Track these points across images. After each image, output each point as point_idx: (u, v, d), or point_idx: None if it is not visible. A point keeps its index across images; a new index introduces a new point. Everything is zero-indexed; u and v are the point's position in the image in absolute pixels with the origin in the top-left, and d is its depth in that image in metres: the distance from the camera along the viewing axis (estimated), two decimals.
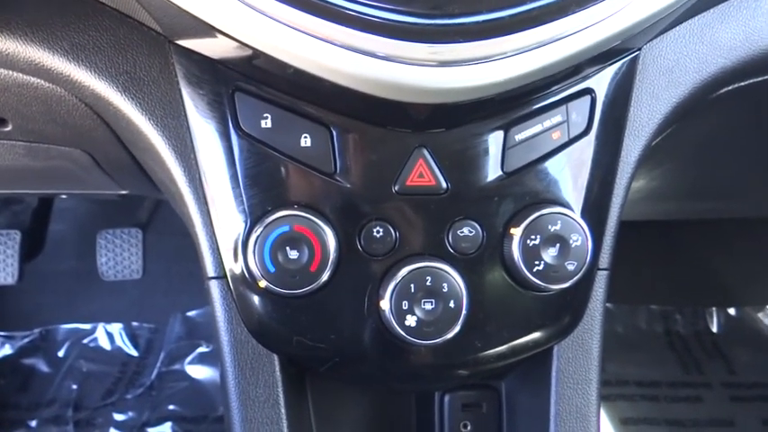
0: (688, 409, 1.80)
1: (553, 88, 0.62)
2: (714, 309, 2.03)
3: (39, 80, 0.66)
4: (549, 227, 0.62)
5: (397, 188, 0.62)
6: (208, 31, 0.56)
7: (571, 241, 0.62)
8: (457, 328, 0.62)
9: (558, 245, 0.62)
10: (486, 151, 0.62)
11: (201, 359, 1.85)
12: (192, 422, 1.74)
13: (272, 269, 0.60)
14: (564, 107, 0.64)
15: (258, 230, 0.60)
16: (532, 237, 0.62)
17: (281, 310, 0.64)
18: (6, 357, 1.86)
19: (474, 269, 0.63)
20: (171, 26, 0.61)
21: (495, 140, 0.63)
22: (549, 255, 0.62)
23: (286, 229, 0.60)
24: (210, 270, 0.65)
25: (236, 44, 0.56)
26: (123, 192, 1.09)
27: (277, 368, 0.67)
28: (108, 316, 1.92)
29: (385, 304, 0.61)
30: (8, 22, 0.61)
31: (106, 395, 1.78)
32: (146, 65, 0.63)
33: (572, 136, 0.64)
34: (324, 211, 0.61)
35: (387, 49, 0.53)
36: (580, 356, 0.71)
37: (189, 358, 1.85)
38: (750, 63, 0.70)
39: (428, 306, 0.61)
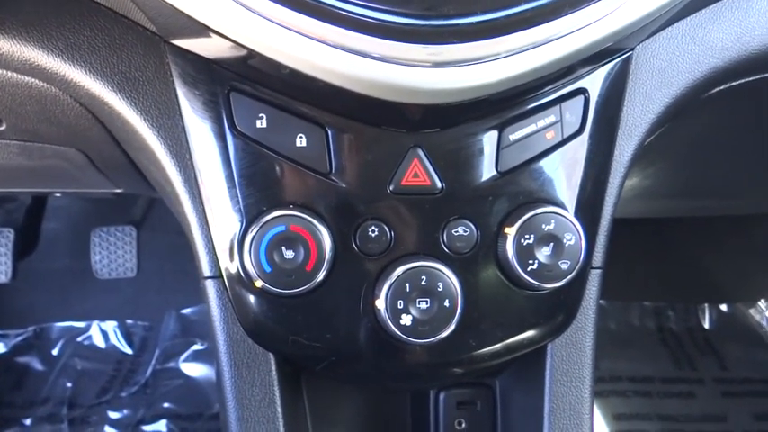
0: (680, 405, 1.81)
1: (547, 88, 0.63)
2: (706, 305, 2.04)
3: (33, 80, 0.66)
4: (543, 226, 0.62)
5: (392, 188, 0.62)
6: (202, 30, 0.56)
7: (565, 240, 0.63)
8: (452, 327, 0.62)
9: (551, 244, 0.63)
10: (481, 151, 0.63)
11: (196, 357, 1.85)
12: (187, 420, 1.74)
13: (268, 269, 0.60)
14: (557, 107, 0.64)
15: (254, 230, 0.60)
16: (526, 236, 0.62)
17: (277, 309, 0.64)
18: (0, 356, 1.86)
19: (469, 268, 0.64)
20: (166, 26, 0.61)
21: (489, 140, 0.63)
22: (543, 254, 0.63)
23: (282, 228, 0.60)
24: (206, 269, 0.65)
25: (230, 44, 0.56)
26: (118, 190, 1.09)
27: (273, 367, 0.67)
28: (102, 314, 1.92)
29: (380, 303, 0.62)
30: (3, 22, 0.61)
31: (101, 393, 1.78)
32: (141, 64, 0.63)
33: (566, 136, 0.65)
34: (319, 211, 0.62)
35: (381, 50, 0.53)
36: (574, 354, 0.71)
37: (183, 356, 1.85)
38: (742, 63, 0.70)
39: (423, 305, 0.61)
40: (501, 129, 0.63)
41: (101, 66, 0.63)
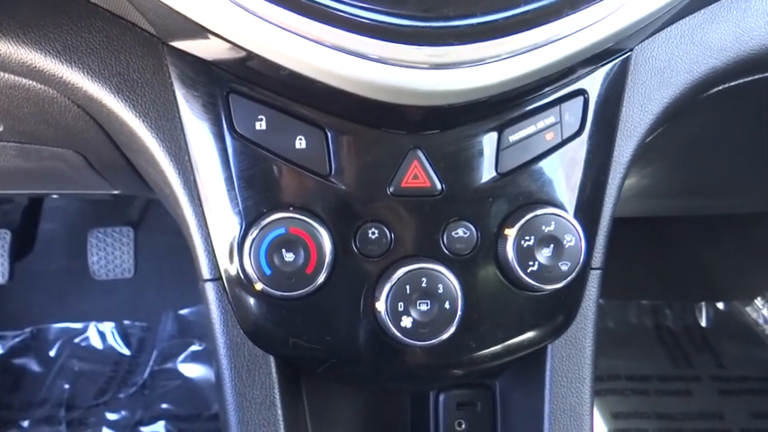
0: (678, 403, 1.81)
1: (546, 89, 0.63)
2: (703, 303, 2.05)
3: (31, 82, 0.65)
4: (543, 227, 0.62)
5: (392, 189, 0.62)
6: (200, 32, 0.56)
7: (565, 242, 0.63)
8: (452, 329, 0.62)
9: (551, 245, 0.63)
10: (481, 152, 0.63)
11: (194, 357, 1.84)
12: (185, 420, 1.73)
13: (268, 272, 0.60)
14: (557, 108, 0.64)
15: (254, 233, 0.60)
16: (527, 237, 0.62)
17: (277, 311, 0.64)
18: None
19: (469, 270, 0.64)
20: (163, 27, 0.61)
21: (489, 142, 0.63)
22: (543, 255, 0.63)
23: (282, 231, 0.60)
24: (206, 272, 0.65)
25: (228, 45, 0.56)
26: (116, 192, 1.09)
27: (273, 370, 0.67)
28: (100, 315, 1.91)
29: (380, 305, 0.62)
30: None
31: (98, 394, 1.77)
32: (139, 66, 0.63)
33: (565, 137, 0.65)
34: (319, 213, 0.62)
35: (380, 52, 0.53)
36: (574, 355, 0.71)
37: (181, 357, 1.84)
38: (740, 63, 0.70)
39: (423, 307, 0.61)
40: (501, 130, 0.63)
41: (99, 68, 0.63)
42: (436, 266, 0.62)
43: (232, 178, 0.62)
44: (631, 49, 0.67)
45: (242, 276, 0.62)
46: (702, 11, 0.69)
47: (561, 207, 0.64)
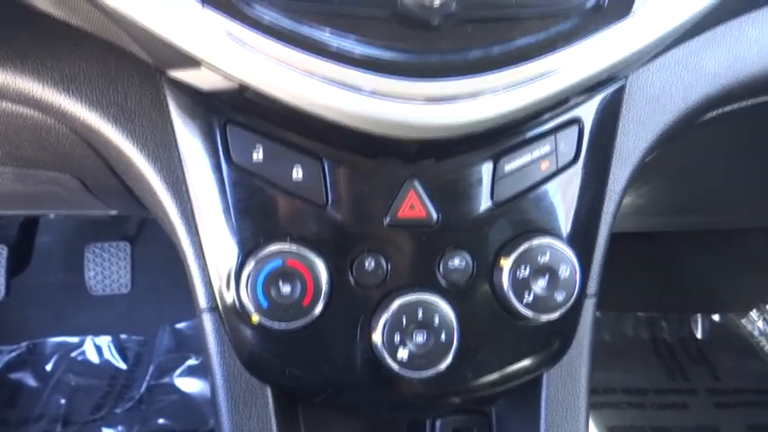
0: (674, 416, 1.81)
1: (541, 119, 0.63)
2: (699, 315, 2.05)
3: (28, 109, 0.65)
4: (539, 258, 0.63)
5: (388, 220, 0.62)
6: (195, 63, 0.56)
7: (560, 272, 0.63)
8: (449, 360, 0.62)
9: (547, 275, 0.63)
10: (477, 182, 0.63)
11: (191, 372, 1.83)
12: None
13: (265, 304, 0.60)
14: (552, 137, 0.64)
15: (251, 265, 0.60)
16: (522, 268, 0.62)
17: (274, 342, 0.64)
18: None
19: (465, 300, 0.64)
20: (159, 57, 0.61)
21: (484, 171, 0.63)
22: (539, 286, 0.63)
23: (279, 263, 0.60)
24: (203, 302, 0.65)
25: (223, 77, 0.56)
26: (113, 212, 1.08)
27: (270, 400, 0.67)
28: (96, 329, 1.91)
29: (377, 337, 0.62)
30: None
31: (95, 409, 1.76)
32: (137, 96, 0.63)
33: (560, 166, 0.65)
34: (316, 244, 0.62)
35: (374, 86, 0.53)
36: (569, 384, 0.71)
37: (178, 371, 1.84)
38: (734, 90, 0.71)
39: (420, 338, 0.61)
40: (496, 159, 0.63)
41: (97, 97, 0.63)
42: (432, 297, 0.62)
43: (229, 208, 0.62)
44: (626, 77, 0.67)
45: (239, 308, 0.62)
46: (696, 38, 0.70)
47: (557, 236, 0.65)
